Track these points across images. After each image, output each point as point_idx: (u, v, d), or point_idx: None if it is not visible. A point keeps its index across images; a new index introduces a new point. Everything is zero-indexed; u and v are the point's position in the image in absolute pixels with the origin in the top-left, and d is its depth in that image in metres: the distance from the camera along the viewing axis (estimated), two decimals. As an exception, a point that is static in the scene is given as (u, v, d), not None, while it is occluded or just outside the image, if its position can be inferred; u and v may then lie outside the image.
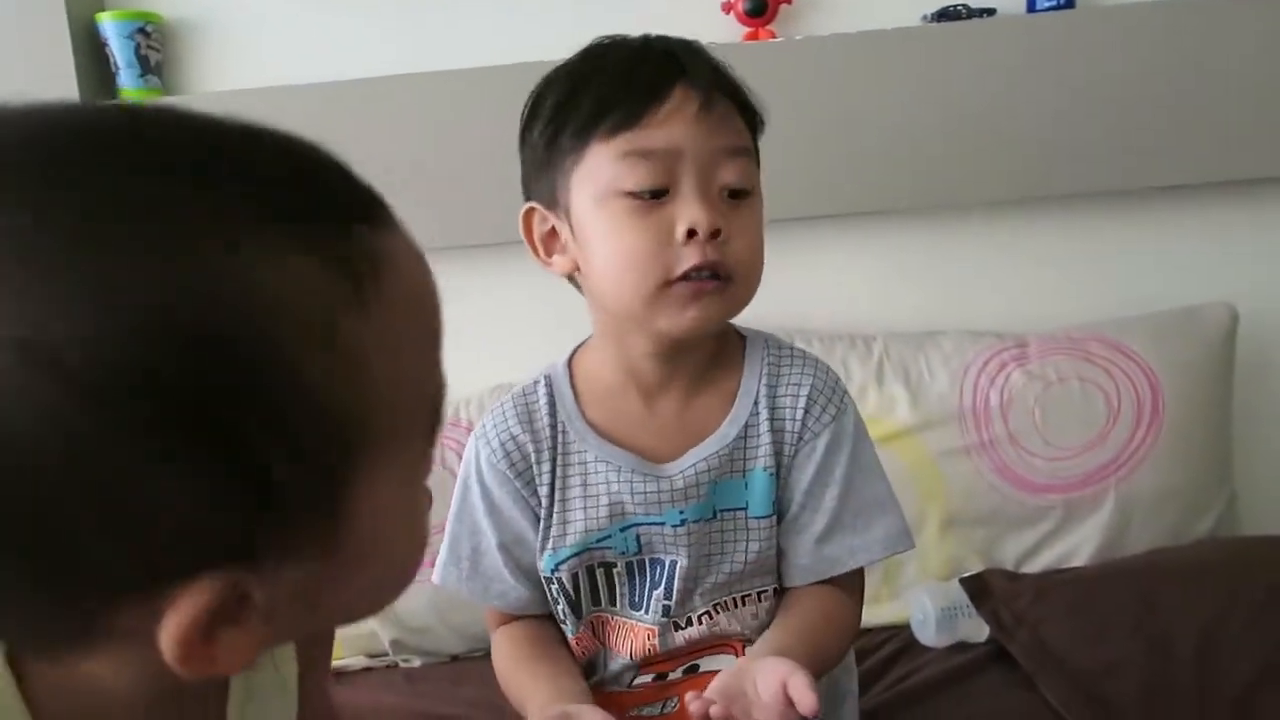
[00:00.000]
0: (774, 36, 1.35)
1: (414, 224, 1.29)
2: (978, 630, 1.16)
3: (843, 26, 1.35)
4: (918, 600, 1.20)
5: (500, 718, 1.07)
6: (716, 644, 0.82)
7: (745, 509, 0.80)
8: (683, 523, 0.78)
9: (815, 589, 0.82)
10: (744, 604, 0.82)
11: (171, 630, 0.33)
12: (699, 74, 0.72)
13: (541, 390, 0.82)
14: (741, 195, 0.74)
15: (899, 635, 1.20)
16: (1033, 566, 1.27)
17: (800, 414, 0.79)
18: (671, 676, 0.83)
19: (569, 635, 0.84)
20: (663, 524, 0.78)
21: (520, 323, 1.42)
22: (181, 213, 0.32)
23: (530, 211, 0.78)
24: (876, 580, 1.25)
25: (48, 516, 0.31)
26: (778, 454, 0.79)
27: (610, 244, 0.72)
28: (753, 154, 0.76)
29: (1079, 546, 1.26)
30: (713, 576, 0.80)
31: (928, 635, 1.18)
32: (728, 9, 1.35)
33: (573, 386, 0.82)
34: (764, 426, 0.79)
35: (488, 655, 1.26)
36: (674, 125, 0.70)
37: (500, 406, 0.82)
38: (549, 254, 0.78)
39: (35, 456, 0.30)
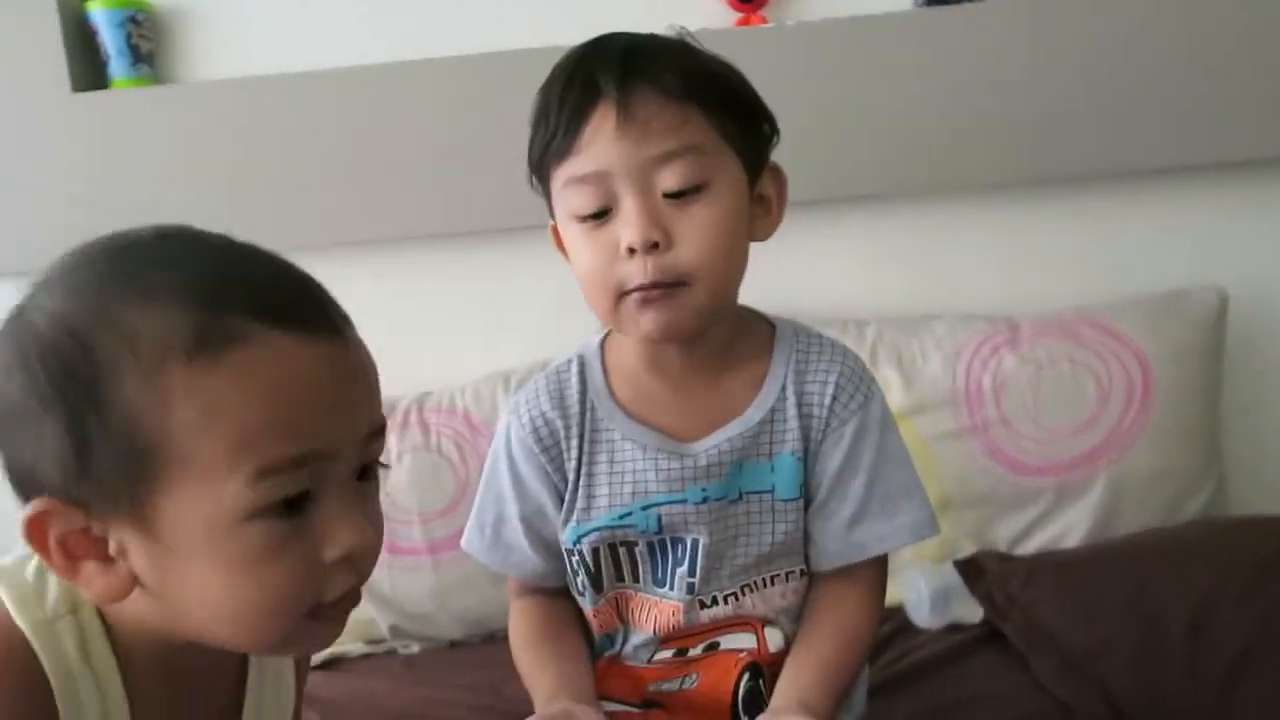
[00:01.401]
0: (765, 22, 1.35)
1: (407, 212, 1.35)
2: (971, 611, 1.18)
3: (834, 11, 1.35)
4: (912, 582, 1.21)
5: (499, 703, 1.09)
6: (737, 623, 0.84)
7: (772, 492, 0.81)
8: (704, 500, 0.80)
9: (838, 596, 0.83)
10: (772, 584, 0.84)
11: (25, 516, 0.50)
12: (611, 89, 0.71)
13: (574, 369, 0.84)
14: (689, 194, 0.73)
15: (894, 617, 1.21)
16: (1025, 548, 1.28)
17: (828, 401, 0.80)
18: (692, 653, 0.84)
19: (587, 608, 0.86)
20: (685, 501, 0.80)
21: (518, 311, 1.43)
22: (123, 287, 0.51)
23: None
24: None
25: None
26: (805, 439, 0.80)
27: (578, 262, 0.77)
28: (700, 148, 0.73)
29: (1071, 528, 1.28)
30: (740, 558, 0.82)
31: (922, 617, 1.19)
32: (720, -6, 1.35)
33: (603, 366, 0.84)
34: (791, 412, 0.80)
35: (486, 641, 1.29)
36: (596, 148, 0.72)
37: (535, 383, 0.85)
38: None
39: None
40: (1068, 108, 1.32)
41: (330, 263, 1.52)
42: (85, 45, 1.36)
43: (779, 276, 1.38)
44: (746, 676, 0.82)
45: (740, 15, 1.35)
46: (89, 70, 1.36)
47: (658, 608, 0.84)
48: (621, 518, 0.81)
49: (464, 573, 1.26)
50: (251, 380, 0.49)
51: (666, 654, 0.85)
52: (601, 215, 0.73)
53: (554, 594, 0.89)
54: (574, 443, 0.82)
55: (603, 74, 0.72)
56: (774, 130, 0.81)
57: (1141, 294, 1.37)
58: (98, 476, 0.49)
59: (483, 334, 1.43)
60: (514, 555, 0.86)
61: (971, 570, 1.19)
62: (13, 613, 0.53)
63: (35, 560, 0.56)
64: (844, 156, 1.34)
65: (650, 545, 0.82)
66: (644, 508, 0.81)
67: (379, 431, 0.56)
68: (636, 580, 0.84)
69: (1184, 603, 1.05)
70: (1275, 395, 1.43)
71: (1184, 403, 1.30)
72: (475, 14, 1.39)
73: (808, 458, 0.81)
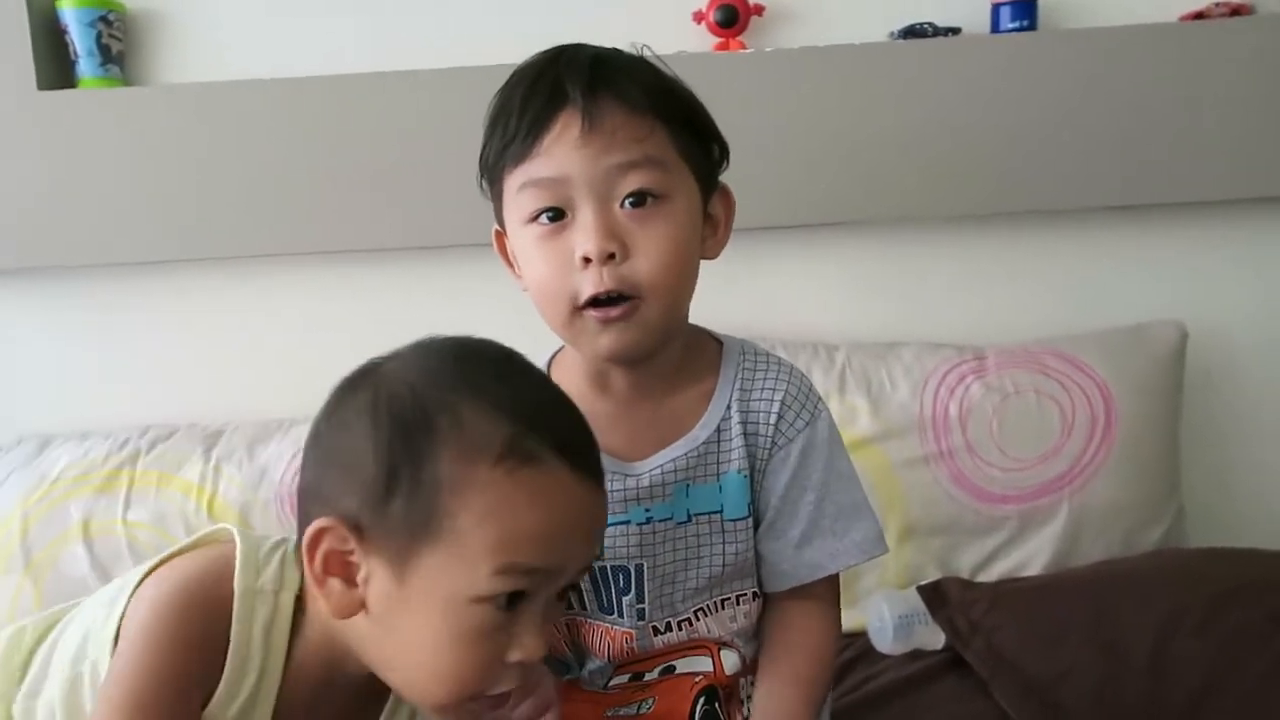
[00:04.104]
0: (744, 48, 1.36)
1: (374, 224, 1.34)
2: (934, 638, 1.18)
3: (812, 40, 1.37)
4: (875, 607, 1.21)
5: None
6: (692, 646, 0.83)
7: (720, 512, 0.80)
8: (648, 520, 0.79)
9: (796, 615, 0.83)
10: (724, 607, 0.83)
11: (313, 527, 0.61)
12: (578, 97, 0.71)
13: None
14: (647, 202, 0.72)
15: (856, 642, 1.21)
16: (988, 575, 1.29)
17: (774, 419, 0.80)
18: (648, 677, 0.83)
19: None
20: (627, 522, 0.79)
21: (482, 326, 1.40)
22: (470, 389, 0.62)
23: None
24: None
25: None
26: (751, 458, 0.80)
27: (529, 270, 0.75)
28: (661, 162, 0.73)
29: (1033, 556, 1.29)
30: (692, 580, 0.81)
31: (884, 642, 1.19)
32: (699, 19, 1.36)
33: None
34: (736, 430, 0.80)
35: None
36: (558, 154, 0.71)
37: None
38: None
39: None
40: (1036, 142, 1.35)
41: (291, 272, 1.51)
42: (54, 43, 1.34)
43: (751, 300, 1.40)
44: (703, 700, 0.81)
45: (719, 40, 1.36)
46: (57, 68, 1.34)
47: (610, 635, 0.82)
48: None
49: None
50: (535, 498, 0.60)
51: (622, 679, 0.84)
52: (556, 217, 0.72)
53: None
54: None
55: (570, 82, 0.71)
56: (724, 154, 0.80)
57: (1105, 327, 1.39)
58: (387, 518, 0.59)
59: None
60: None
61: (935, 596, 1.19)
62: (236, 571, 0.64)
63: (274, 538, 0.68)
64: (817, 182, 1.35)
65: (591, 574, 0.81)
66: None
67: (589, 566, 0.69)
68: (584, 607, 0.83)
69: (1145, 630, 1.06)
70: (1231, 430, 1.46)
71: (1144, 435, 1.32)
72: (447, 28, 1.39)
73: (754, 476, 0.80)
